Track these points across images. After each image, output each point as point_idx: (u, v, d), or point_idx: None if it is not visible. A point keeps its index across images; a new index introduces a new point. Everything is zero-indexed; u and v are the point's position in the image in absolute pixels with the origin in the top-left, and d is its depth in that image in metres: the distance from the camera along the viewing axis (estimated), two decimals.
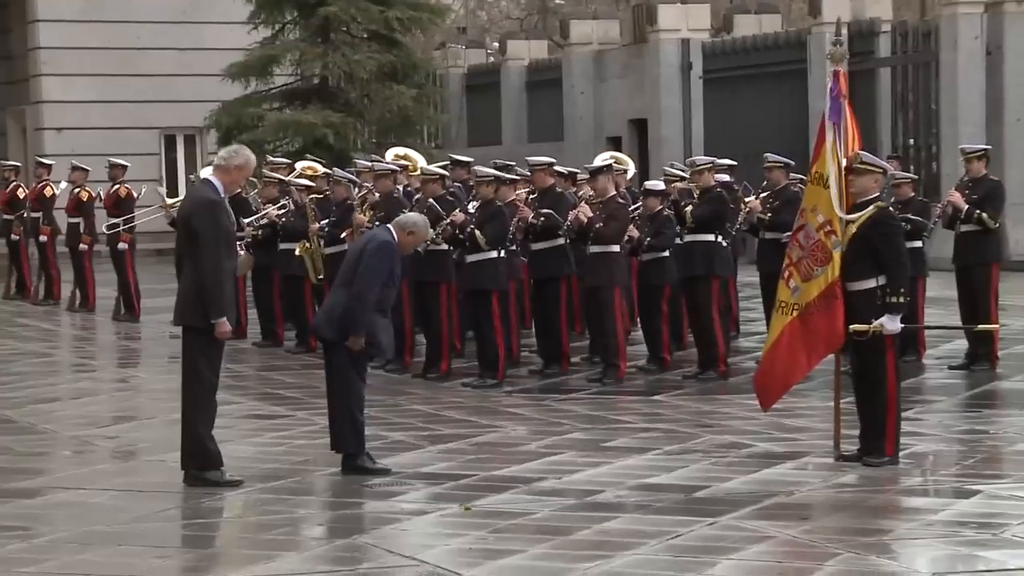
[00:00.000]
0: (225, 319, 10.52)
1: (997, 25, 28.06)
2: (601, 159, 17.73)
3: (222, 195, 10.69)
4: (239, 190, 15.52)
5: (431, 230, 15.43)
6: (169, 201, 21.76)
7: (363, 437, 11.03)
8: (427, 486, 10.45)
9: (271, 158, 22.35)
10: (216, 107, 33.08)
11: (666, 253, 15.33)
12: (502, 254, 15.16)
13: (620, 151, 25.34)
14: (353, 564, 8.45)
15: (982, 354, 15.44)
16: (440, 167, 17.14)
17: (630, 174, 18.94)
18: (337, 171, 18.65)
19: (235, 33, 33.72)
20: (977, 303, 15.70)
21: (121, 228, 21.55)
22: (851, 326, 10.80)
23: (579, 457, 11.33)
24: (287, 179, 18.82)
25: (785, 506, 9.71)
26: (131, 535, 9.12)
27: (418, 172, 17.45)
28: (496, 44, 42.30)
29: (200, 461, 10.46)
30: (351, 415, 11.03)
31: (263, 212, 18.36)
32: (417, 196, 16.33)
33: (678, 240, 15.32)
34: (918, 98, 29.50)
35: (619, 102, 34.36)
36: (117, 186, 21.85)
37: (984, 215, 15.64)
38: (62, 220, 23.19)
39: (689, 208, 15.47)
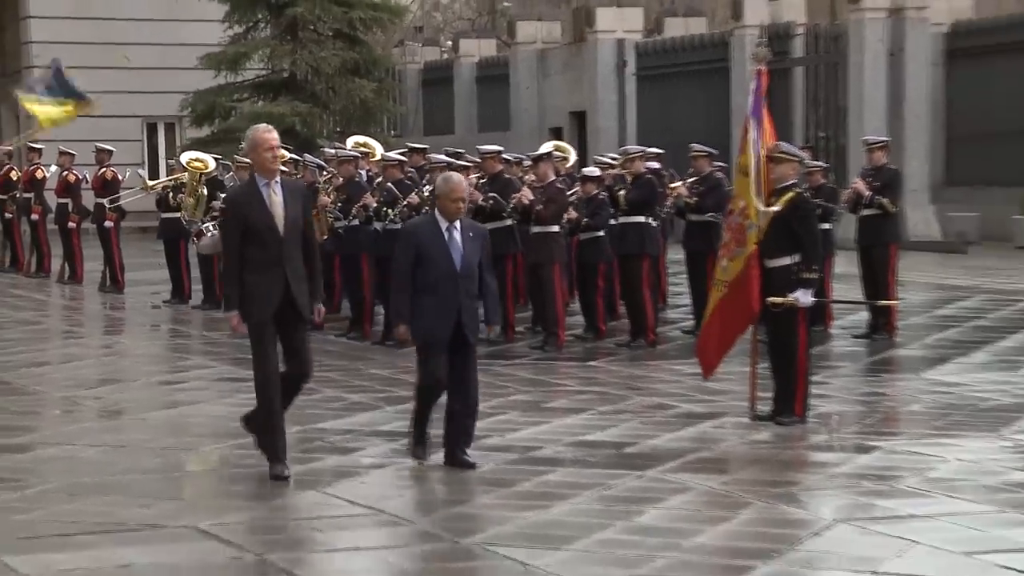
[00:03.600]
0: (235, 312, 9.11)
1: (899, 30, 28.24)
2: (544, 148, 17.73)
3: (262, 183, 9.05)
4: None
5: (390, 210, 15.54)
6: (150, 183, 21.85)
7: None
8: (384, 443, 10.45)
9: (243, 145, 22.28)
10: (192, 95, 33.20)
11: (601, 233, 15.37)
12: None
13: (561, 140, 25.36)
14: (317, 513, 8.46)
15: (882, 325, 15.59)
16: (398, 154, 17.14)
17: (571, 161, 18.95)
18: (306, 156, 18.63)
19: (211, 30, 33.75)
20: (878, 279, 15.84)
21: (108, 207, 21.55)
22: (768, 298, 10.89)
23: (521, 417, 11.37)
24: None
25: (706, 460, 9.78)
26: (116, 486, 9.10)
27: (378, 158, 17.49)
28: (449, 43, 42.24)
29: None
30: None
31: None
32: (377, 180, 16.37)
33: (612, 221, 15.37)
34: (828, 95, 29.68)
35: (560, 96, 34.41)
36: (104, 169, 21.88)
37: (884, 200, 15.78)
38: (52, 200, 23.22)
39: (623, 192, 15.55)
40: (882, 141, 16.85)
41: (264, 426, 9.20)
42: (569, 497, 8.70)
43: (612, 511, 8.34)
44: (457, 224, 9.30)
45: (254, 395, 9.32)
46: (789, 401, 11.03)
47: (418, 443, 9.64)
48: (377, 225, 15.63)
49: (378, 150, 18.55)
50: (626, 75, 33.36)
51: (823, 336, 15.18)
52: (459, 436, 9.47)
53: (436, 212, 9.43)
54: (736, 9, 31.40)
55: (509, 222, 15.58)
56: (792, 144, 14.63)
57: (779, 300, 10.84)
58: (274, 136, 9.12)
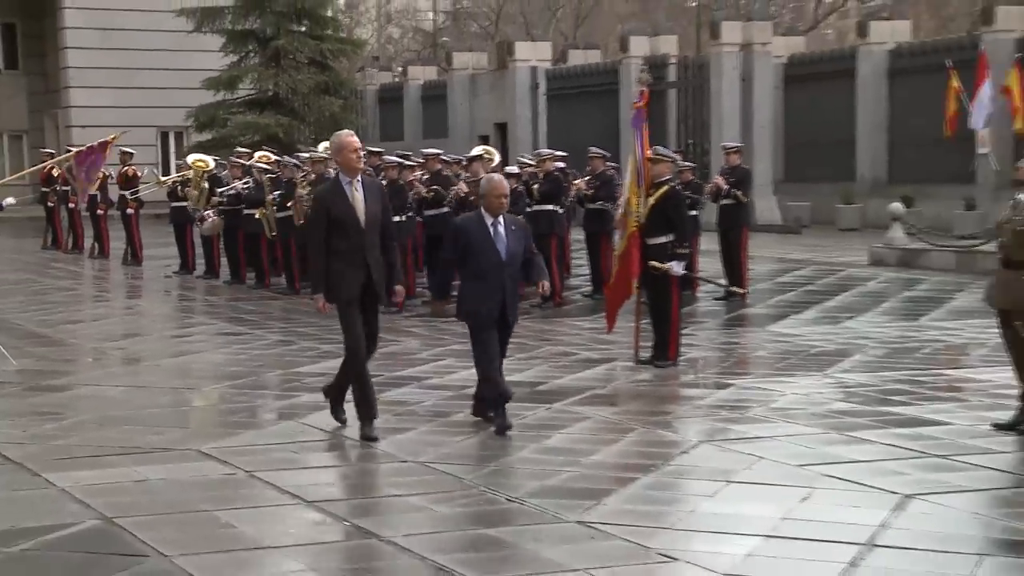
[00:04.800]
0: (321, 295, 8.27)
1: (749, 60, 28.35)
2: (475, 151, 17.65)
3: (345, 181, 8.23)
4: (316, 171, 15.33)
5: None
6: (163, 179, 21.63)
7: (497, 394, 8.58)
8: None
9: (238, 149, 22.10)
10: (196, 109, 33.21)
11: (520, 218, 15.29)
12: (403, 218, 15.09)
13: (488, 145, 25.26)
14: (294, 438, 8.37)
15: (737, 290, 15.64)
16: None
17: (495, 162, 18.87)
18: (286, 158, 18.50)
19: (212, 58, 33.71)
20: (733, 254, 15.90)
21: (129, 198, 21.44)
22: (650, 262, 10.89)
23: (457, 362, 11.30)
24: (249, 163, 18.66)
25: (600, 396, 9.77)
26: (134, 418, 8.97)
27: None
28: (400, 69, 41.94)
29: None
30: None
31: (231, 186, 18.19)
32: None
33: (528, 209, 15.31)
34: (695, 111, 29.74)
35: (487, 111, 34.29)
36: (126, 168, 21.72)
37: (738, 193, 15.82)
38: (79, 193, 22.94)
39: (536, 186, 15.52)
40: (737, 146, 16.91)
41: (356, 393, 8.38)
42: (494, 423, 8.64)
43: (526, 436, 8.30)
44: (501, 219, 8.49)
45: (245, 346, 9.07)
46: (665, 349, 11.05)
47: (497, 406, 8.52)
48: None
49: None
50: (538, 95, 33.29)
51: (691, 298, 15.23)
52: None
53: (482, 209, 8.55)
54: (624, 43, 31.46)
55: (447, 209, 15.50)
56: (667, 148, 14.64)
57: (658, 265, 10.86)
58: (357, 140, 8.35)
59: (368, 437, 8.17)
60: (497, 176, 8.96)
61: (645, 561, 5.77)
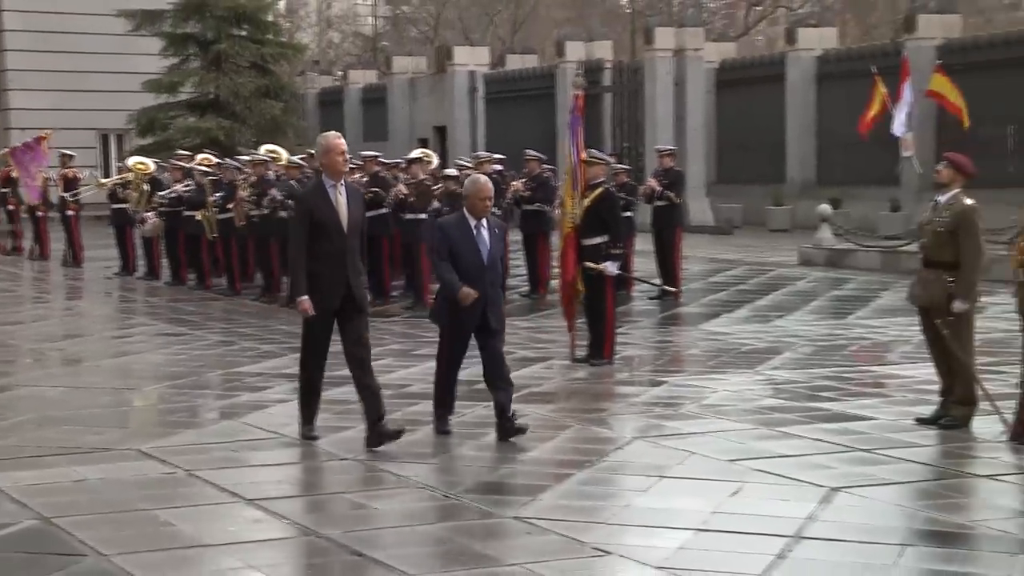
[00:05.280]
0: (306, 297, 7.84)
1: (681, 65, 28.54)
2: (414, 153, 17.59)
3: (329, 184, 7.87)
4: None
5: (292, 202, 15.28)
6: (103, 181, 21.41)
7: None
8: (288, 383, 10.26)
9: (179, 151, 21.91)
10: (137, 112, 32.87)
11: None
12: None
13: (427, 148, 25.21)
14: (234, 437, 8.29)
15: (670, 289, 15.72)
16: (299, 158, 16.93)
17: (434, 164, 18.82)
18: (227, 160, 18.35)
19: (153, 61, 33.37)
20: (666, 256, 15.98)
21: (69, 199, 21.14)
22: (584, 263, 10.92)
23: (395, 361, 11.27)
24: (190, 166, 18.53)
25: (537, 393, 9.78)
26: (74, 419, 8.84)
27: (284, 161, 17.27)
28: (340, 72, 41.74)
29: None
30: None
31: (172, 188, 18.04)
32: (283, 177, 16.13)
33: None
34: (630, 114, 29.89)
35: (427, 114, 34.23)
36: (66, 170, 21.43)
37: (671, 194, 15.91)
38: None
39: None
40: (669, 149, 17.00)
41: (301, 397, 8.18)
42: (431, 423, 8.61)
43: (465, 433, 8.29)
44: (484, 221, 8.10)
45: (185, 346, 8.92)
46: (600, 347, 11.08)
47: (440, 416, 8.27)
48: (283, 214, 15.39)
49: (284, 155, 18.32)
50: (477, 98, 33.30)
51: (626, 298, 15.29)
52: (504, 405, 8.11)
53: (465, 211, 8.13)
54: (560, 48, 31.55)
55: (386, 210, 15.44)
56: (602, 151, 14.68)
57: (593, 266, 10.89)
58: (343, 142, 7.95)
59: (307, 436, 8.04)
60: (482, 178, 8.47)
61: (580, 555, 5.78)
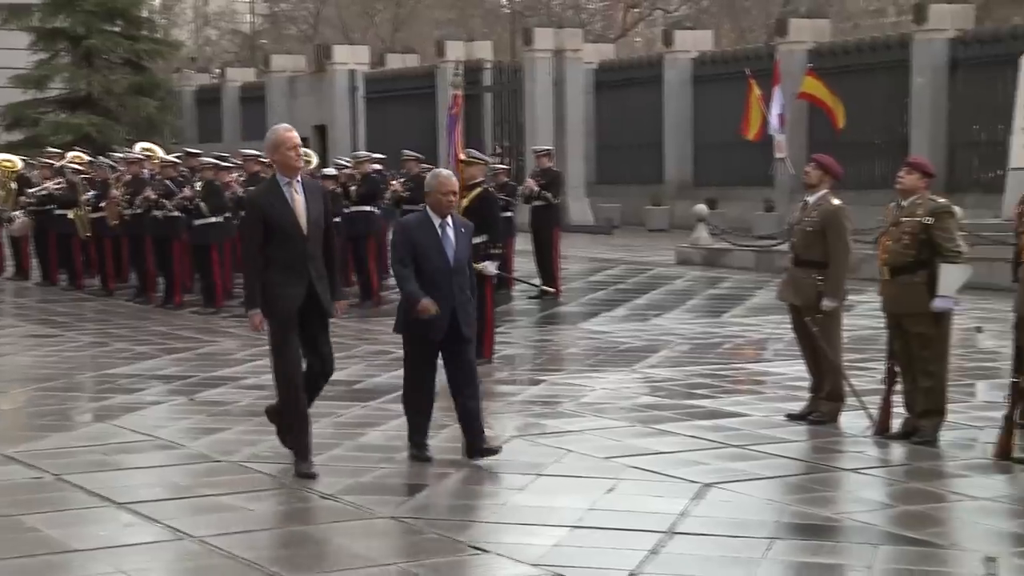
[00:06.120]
0: (257, 311, 7.05)
1: (561, 66, 28.76)
2: None
3: (283, 181, 7.05)
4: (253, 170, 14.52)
5: (167, 201, 15.03)
6: None
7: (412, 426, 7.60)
8: (163, 384, 10.13)
9: (48, 149, 21.37)
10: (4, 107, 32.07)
11: (338, 219, 15.16)
12: (221, 219, 14.83)
13: (307, 148, 24.98)
14: (106, 440, 8.12)
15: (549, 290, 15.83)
16: (175, 157, 16.66)
17: (313, 164, 18.70)
18: (100, 158, 18.00)
19: (21, 56, 32.54)
20: (545, 255, 16.08)
21: None
22: None
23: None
24: (60, 164, 18.11)
25: None
26: None
27: (158, 160, 16.96)
28: (218, 70, 41.16)
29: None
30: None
31: (43, 186, 17.60)
32: (158, 176, 15.85)
33: (345, 210, 15.20)
34: (510, 114, 30.02)
35: (306, 113, 33.91)
36: None
37: (548, 194, 16.02)
38: None
39: (353, 188, 15.42)
40: (546, 149, 17.11)
41: (291, 425, 7.24)
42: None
43: (342, 433, 8.25)
44: (449, 220, 7.39)
45: (56, 348, 8.64)
46: (480, 347, 11.04)
47: (418, 445, 7.53)
48: (157, 213, 15.16)
49: (159, 153, 18.01)
50: (357, 98, 33.12)
51: (506, 297, 15.35)
52: (473, 420, 7.47)
53: (428, 209, 7.40)
54: (440, 48, 31.54)
55: None
56: (482, 151, 14.74)
57: (473, 265, 10.87)
58: (296, 135, 7.13)
59: (304, 474, 7.03)
60: (444, 172, 7.67)
61: (456, 554, 5.80)
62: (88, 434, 8.36)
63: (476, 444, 7.41)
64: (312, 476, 7.05)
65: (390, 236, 8.01)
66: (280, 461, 7.46)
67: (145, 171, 16.32)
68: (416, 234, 7.36)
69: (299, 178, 7.09)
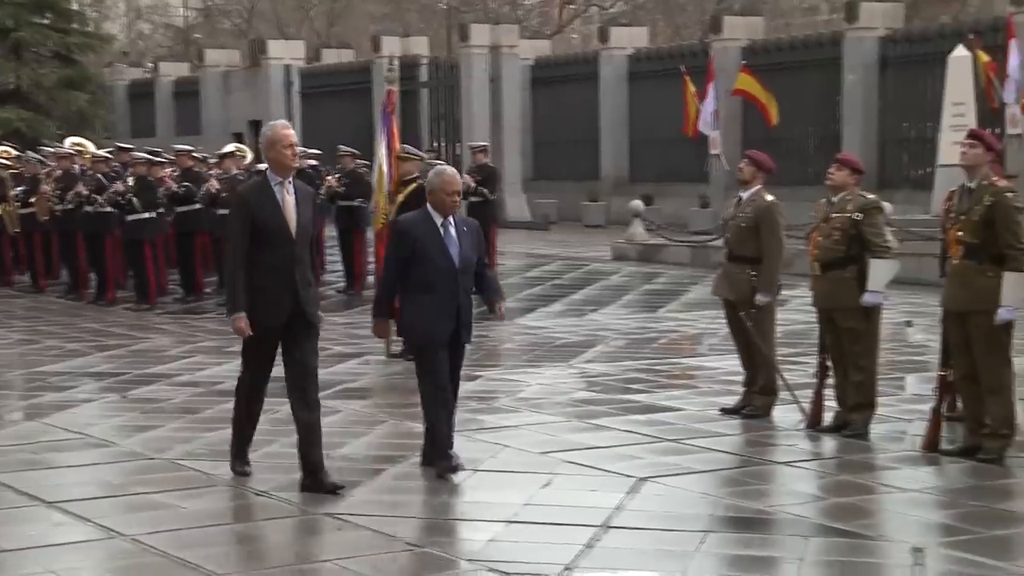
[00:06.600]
0: (242, 315, 6.67)
1: (497, 62, 28.76)
2: (227, 148, 17.30)
3: (275, 181, 6.73)
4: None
5: (99, 196, 14.84)
6: None
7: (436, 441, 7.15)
8: (95, 381, 10.02)
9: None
10: None
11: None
12: (154, 215, 14.70)
13: (242, 143, 24.80)
14: (36, 438, 8.02)
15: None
16: (107, 152, 16.49)
17: (248, 159, 18.57)
18: (29, 153, 17.77)
19: None
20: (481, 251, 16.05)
21: None
22: None
23: (208, 358, 11.09)
24: None
25: (352, 389, 9.74)
26: None
27: (90, 155, 16.78)
28: (151, 64, 40.69)
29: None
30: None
31: None
32: (89, 172, 15.66)
33: None
34: (447, 110, 29.97)
35: (241, 108, 33.65)
36: None
37: (484, 190, 16.03)
38: None
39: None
40: (482, 145, 17.15)
41: (235, 428, 7.07)
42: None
43: (278, 430, 8.15)
44: (451, 219, 7.01)
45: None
46: None
47: (443, 455, 7.03)
48: (89, 208, 14.98)
49: (90, 148, 17.81)
50: (292, 93, 32.92)
51: None
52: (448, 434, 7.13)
53: (429, 208, 7.01)
54: (376, 43, 31.40)
55: (199, 205, 15.16)
56: (419, 147, 14.73)
57: None
58: (292, 132, 6.83)
59: (240, 472, 6.94)
60: (449, 169, 7.23)
61: (391, 550, 5.79)
62: (17, 432, 8.24)
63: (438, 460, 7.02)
64: (245, 474, 6.96)
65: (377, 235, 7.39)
66: (215, 459, 7.40)
67: (76, 166, 16.13)
68: (416, 234, 6.94)
69: (291, 179, 6.79)
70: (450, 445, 7.03)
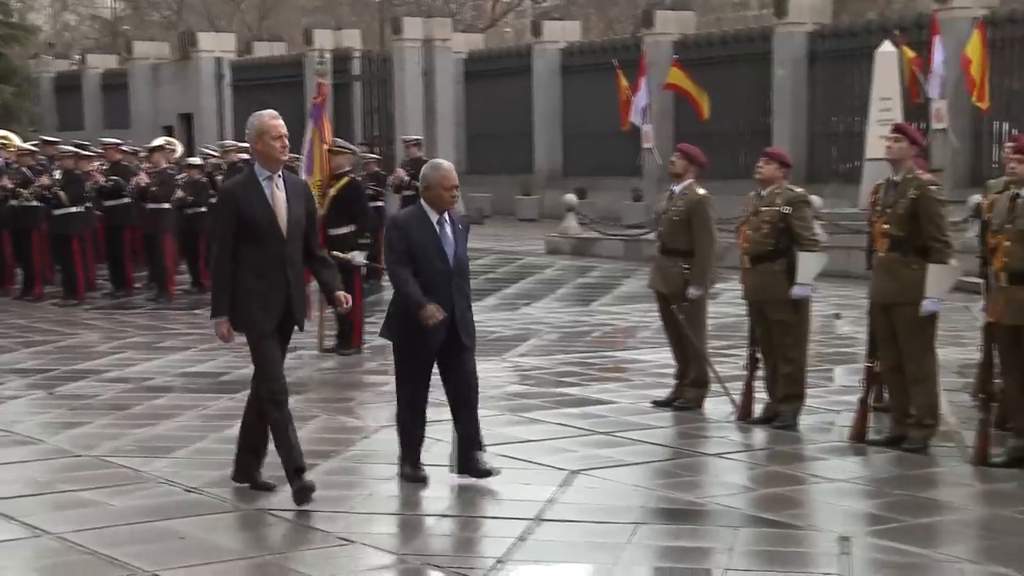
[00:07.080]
0: (224, 319, 6.36)
1: (430, 55, 28.69)
2: (156, 141, 17.11)
3: (263, 175, 6.36)
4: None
5: (24, 190, 14.61)
6: None
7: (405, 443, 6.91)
8: (20, 378, 9.87)
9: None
10: None
11: (204, 208, 14.93)
12: (82, 209, 14.51)
13: (172, 136, 24.54)
14: None
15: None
16: (32, 145, 16.24)
17: (178, 152, 18.42)
18: None
19: None
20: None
21: None
22: (332, 252, 10.81)
23: (138, 354, 10.96)
24: None
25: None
26: None
27: (15, 148, 16.51)
28: (78, 56, 40.11)
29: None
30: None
31: None
32: (14, 165, 15.43)
33: (212, 200, 14.96)
34: (380, 104, 29.84)
35: (172, 101, 33.26)
36: None
37: (417, 184, 15.95)
38: None
39: (220, 177, 15.14)
40: (416, 139, 17.11)
41: (280, 445, 6.46)
42: (174, 416, 8.44)
43: (208, 426, 8.14)
44: (447, 216, 6.70)
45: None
46: (349, 337, 11.05)
47: (412, 465, 6.82)
48: (14, 202, 14.76)
49: (16, 141, 17.52)
50: (223, 86, 32.59)
51: (376, 287, 15.27)
52: (472, 438, 6.84)
53: (424, 204, 6.69)
54: (308, 36, 31.20)
55: (128, 200, 14.99)
56: (353, 142, 14.67)
57: (339, 255, 10.82)
58: (282, 123, 6.44)
59: (306, 488, 6.31)
60: (445, 164, 6.91)
61: (324, 544, 5.77)
62: None
63: (473, 464, 6.73)
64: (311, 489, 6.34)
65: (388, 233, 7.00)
66: (144, 455, 7.33)
67: (1, 160, 15.87)
68: (412, 232, 6.61)
69: (281, 173, 6.39)
70: (418, 455, 6.83)
